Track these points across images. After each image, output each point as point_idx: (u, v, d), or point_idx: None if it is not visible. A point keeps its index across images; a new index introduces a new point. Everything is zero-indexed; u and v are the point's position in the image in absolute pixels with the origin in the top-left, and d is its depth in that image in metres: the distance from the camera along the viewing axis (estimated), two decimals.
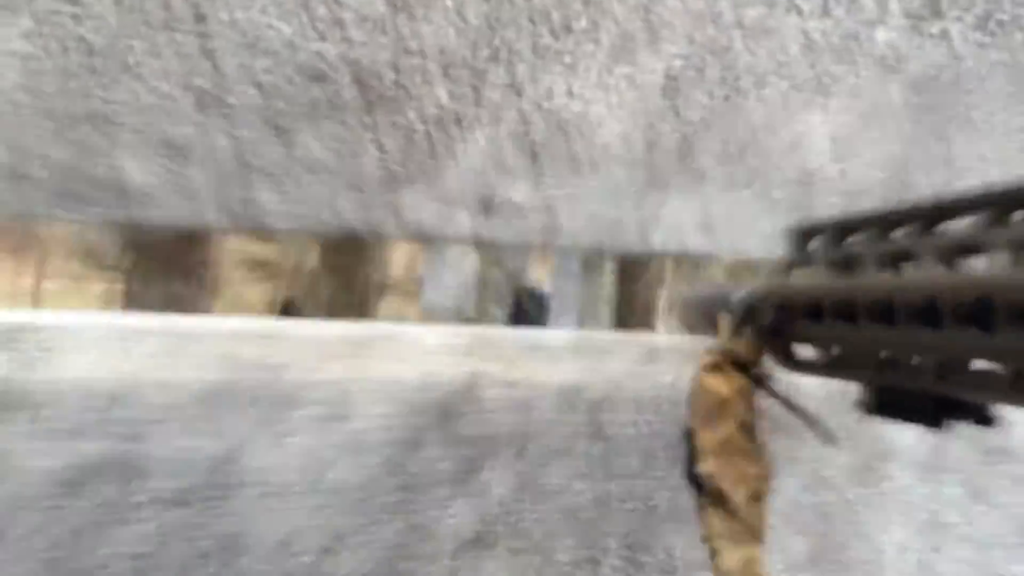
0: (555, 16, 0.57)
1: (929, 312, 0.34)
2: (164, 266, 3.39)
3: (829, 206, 0.62)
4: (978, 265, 0.33)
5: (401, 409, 0.57)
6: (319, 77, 0.55)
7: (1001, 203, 0.32)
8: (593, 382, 0.60)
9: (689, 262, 5.54)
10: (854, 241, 0.43)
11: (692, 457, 0.52)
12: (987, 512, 0.66)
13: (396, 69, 0.55)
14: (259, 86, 0.54)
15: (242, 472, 0.55)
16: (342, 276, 5.07)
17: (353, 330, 0.57)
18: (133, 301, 3.41)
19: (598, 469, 0.61)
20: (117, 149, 0.53)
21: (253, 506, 0.55)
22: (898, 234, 0.39)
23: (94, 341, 0.52)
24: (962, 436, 0.44)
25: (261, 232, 0.56)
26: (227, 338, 0.54)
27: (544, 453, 0.60)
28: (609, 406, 0.60)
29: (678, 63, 0.59)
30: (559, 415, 0.59)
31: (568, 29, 0.57)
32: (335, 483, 0.56)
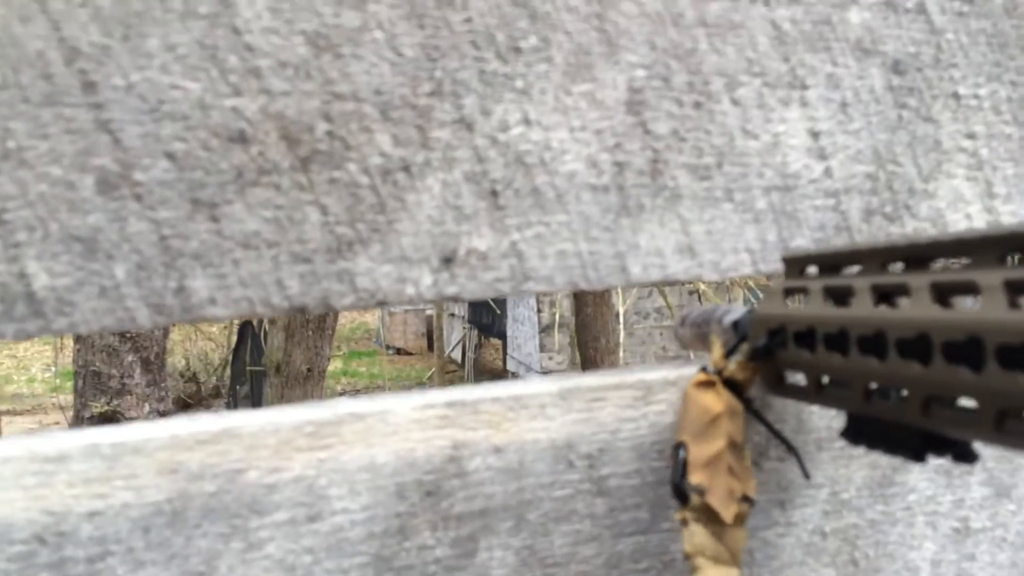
0: (500, 37, 0.50)
1: (920, 347, 0.35)
2: None
3: (816, 208, 0.57)
4: (971, 304, 0.34)
5: (380, 497, 0.50)
6: (240, 138, 0.47)
7: (999, 245, 0.33)
8: (587, 433, 0.54)
9: None
10: (850, 272, 0.43)
11: (681, 470, 0.50)
12: (1017, 511, 0.62)
13: (328, 118, 0.48)
14: (171, 157, 0.46)
15: None
16: None
17: (312, 414, 0.50)
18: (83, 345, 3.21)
19: (605, 529, 0.55)
20: (13, 251, 0.45)
21: None
22: (895, 268, 0.40)
23: (7, 477, 0.44)
24: None
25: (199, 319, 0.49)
26: (165, 447, 0.47)
27: (544, 521, 0.53)
28: (608, 458, 0.54)
29: (641, 73, 0.53)
30: (554, 476, 0.53)
31: (516, 50, 0.51)
32: None
